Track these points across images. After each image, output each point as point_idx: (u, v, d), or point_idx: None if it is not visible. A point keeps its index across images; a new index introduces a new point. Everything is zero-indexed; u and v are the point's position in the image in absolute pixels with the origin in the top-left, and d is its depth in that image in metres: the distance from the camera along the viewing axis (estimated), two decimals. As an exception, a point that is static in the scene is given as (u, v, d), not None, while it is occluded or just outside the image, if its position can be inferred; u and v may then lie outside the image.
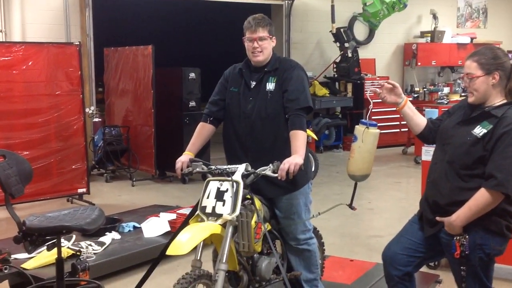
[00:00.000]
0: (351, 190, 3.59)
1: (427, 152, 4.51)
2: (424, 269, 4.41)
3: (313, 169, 7.81)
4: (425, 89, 11.96)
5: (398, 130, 11.09)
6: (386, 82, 3.20)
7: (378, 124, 3.38)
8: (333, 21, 10.93)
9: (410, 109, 3.19)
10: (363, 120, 3.35)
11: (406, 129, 10.24)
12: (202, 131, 3.56)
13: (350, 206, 3.58)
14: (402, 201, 7.33)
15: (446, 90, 12.15)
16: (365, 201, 7.13)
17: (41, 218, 3.45)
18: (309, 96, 3.43)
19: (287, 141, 3.30)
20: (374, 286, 4.22)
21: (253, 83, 3.45)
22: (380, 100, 3.25)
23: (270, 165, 3.15)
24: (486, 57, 2.86)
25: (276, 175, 3.11)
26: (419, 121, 3.19)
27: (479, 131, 2.82)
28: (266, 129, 3.39)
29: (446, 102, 10.13)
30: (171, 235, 3.48)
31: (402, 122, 9.20)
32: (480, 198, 2.75)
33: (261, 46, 3.38)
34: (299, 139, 3.26)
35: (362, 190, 6.68)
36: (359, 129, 3.31)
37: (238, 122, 3.45)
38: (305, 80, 3.47)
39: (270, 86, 3.41)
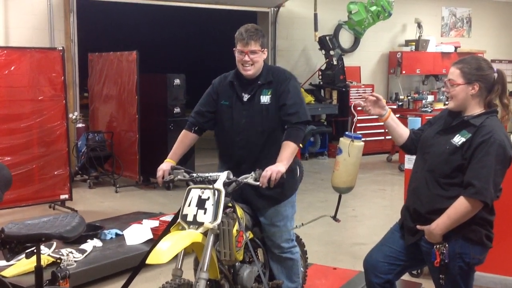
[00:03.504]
0: (335, 197, 3.57)
1: (410, 161, 4.52)
2: (407, 277, 4.43)
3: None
4: (409, 97, 12.03)
5: (383, 137, 11.13)
6: (370, 94, 3.21)
7: (364, 132, 3.39)
8: (316, 29, 10.90)
9: (393, 121, 3.22)
10: (347, 132, 3.31)
11: (391, 137, 10.26)
12: (185, 139, 3.54)
13: (334, 218, 3.54)
14: (386, 209, 7.34)
15: (430, 98, 12.22)
16: (349, 209, 7.14)
17: (20, 225, 3.40)
18: (306, 108, 3.43)
19: None
20: (356, 294, 4.22)
21: (246, 96, 3.39)
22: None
23: (252, 173, 3.13)
24: (469, 66, 2.88)
25: (258, 183, 3.09)
26: (402, 132, 3.22)
27: (458, 140, 2.85)
28: (262, 142, 3.36)
29: (430, 110, 10.18)
30: (153, 242, 3.45)
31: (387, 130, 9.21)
32: (459, 206, 2.77)
33: (252, 59, 3.31)
34: (289, 149, 3.25)
35: (346, 197, 6.61)
36: (344, 142, 3.28)
37: (232, 135, 3.41)
38: (300, 92, 3.48)
39: (265, 99, 3.36)
